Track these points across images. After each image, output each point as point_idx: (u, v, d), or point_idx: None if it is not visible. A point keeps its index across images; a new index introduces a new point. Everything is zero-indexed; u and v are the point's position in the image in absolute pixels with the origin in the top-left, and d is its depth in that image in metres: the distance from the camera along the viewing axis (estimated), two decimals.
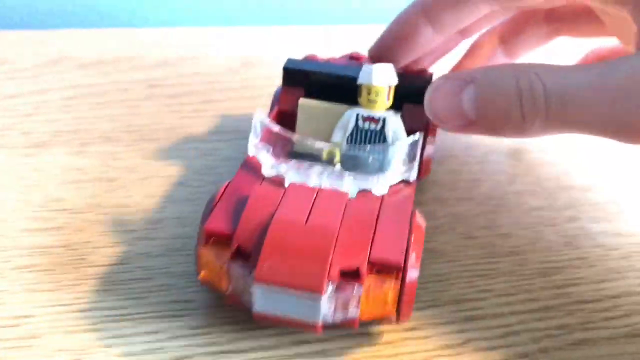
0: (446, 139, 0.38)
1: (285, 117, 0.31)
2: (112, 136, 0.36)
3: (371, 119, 0.28)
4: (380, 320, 0.23)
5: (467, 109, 0.26)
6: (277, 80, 0.38)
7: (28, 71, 0.42)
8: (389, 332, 0.25)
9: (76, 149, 0.34)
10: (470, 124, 0.26)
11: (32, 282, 0.26)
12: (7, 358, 0.23)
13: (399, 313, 0.23)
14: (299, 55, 0.47)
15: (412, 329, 0.25)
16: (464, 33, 0.35)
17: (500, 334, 0.25)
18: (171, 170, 0.33)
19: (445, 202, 0.32)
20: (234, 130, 0.37)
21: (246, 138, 0.30)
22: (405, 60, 0.33)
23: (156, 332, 0.24)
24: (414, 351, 0.24)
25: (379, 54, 0.34)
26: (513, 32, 0.36)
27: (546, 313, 0.26)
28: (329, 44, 0.50)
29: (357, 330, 0.24)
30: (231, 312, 0.25)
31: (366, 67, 0.27)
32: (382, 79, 0.27)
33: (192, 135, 0.36)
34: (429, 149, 0.31)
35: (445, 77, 0.27)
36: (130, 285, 0.26)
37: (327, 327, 0.22)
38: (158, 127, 0.37)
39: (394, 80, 0.28)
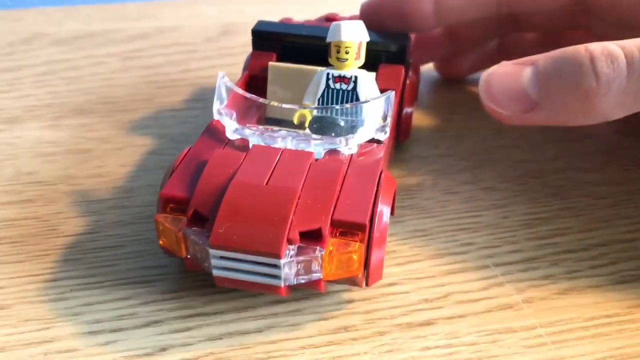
0: (430, 97, 0.37)
1: (256, 81, 0.29)
2: (86, 109, 0.35)
3: (342, 79, 0.26)
4: (349, 282, 0.22)
5: (528, 88, 0.24)
6: None
7: (1, 49, 0.42)
8: (367, 288, 0.24)
9: (49, 122, 0.34)
10: (533, 107, 0.24)
11: (1, 254, 0.25)
12: None
13: (368, 275, 0.22)
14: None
15: (392, 284, 0.24)
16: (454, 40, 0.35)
17: (482, 286, 0.24)
18: (146, 140, 0.32)
19: (428, 159, 0.31)
20: (211, 98, 0.36)
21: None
22: (391, 27, 0.31)
23: (127, 299, 0.23)
24: (394, 306, 0.23)
25: (369, 11, 0.32)
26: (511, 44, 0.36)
27: (531, 264, 0.25)
28: (310, 9, 0.49)
29: (335, 287, 0.24)
30: (204, 276, 0.24)
31: (335, 24, 0.25)
32: (351, 35, 0.25)
33: (169, 104, 0.36)
34: (408, 111, 0.30)
35: (500, 64, 0.25)
36: (100, 254, 0.25)
37: (293, 288, 0.22)
38: (134, 98, 0.36)
39: (365, 37, 0.26)
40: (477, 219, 0.28)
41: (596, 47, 0.23)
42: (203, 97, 0.36)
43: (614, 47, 0.23)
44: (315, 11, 0.48)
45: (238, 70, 0.34)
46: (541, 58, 0.24)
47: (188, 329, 0.22)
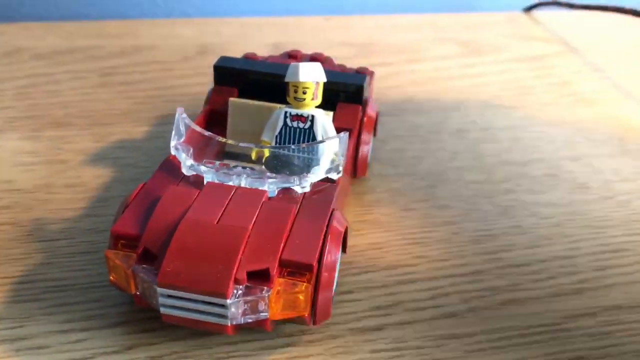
0: (391, 120, 0.39)
1: (216, 115, 0.30)
2: (64, 121, 0.37)
3: (299, 117, 0.27)
4: (297, 321, 0.23)
5: None
6: None
7: None
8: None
9: (29, 134, 0.35)
10: None
11: None
12: None
13: (315, 315, 0.22)
14: (255, 44, 0.48)
15: (347, 292, 0.26)
16: None
17: (430, 295, 0.26)
18: (121, 153, 0.34)
19: (387, 178, 0.34)
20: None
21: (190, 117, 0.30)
22: None
23: (98, 300, 0.25)
24: (347, 312, 0.25)
25: None
26: None
27: (477, 276, 0.28)
28: (281, 32, 0.51)
29: None
30: None
31: (293, 65, 0.26)
32: (308, 75, 0.26)
33: (144, 120, 0.37)
34: (364, 148, 0.31)
35: None
36: (75, 258, 0.27)
37: (239, 327, 0.22)
38: (111, 113, 0.38)
39: (322, 77, 0.27)
40: (430, 234, 0.30)
41: None
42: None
43: None
44: (287, 35, 0.51)
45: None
46: None
47: (153, 329, 0.24)
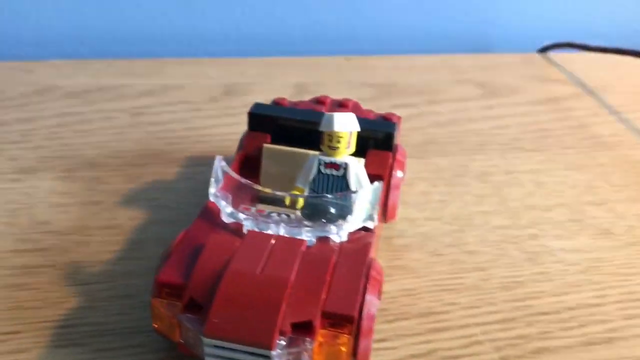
0: (416, 162, 0.40)
1: (250, 160, 0.32)
2: (97, 162, 0.37)
3: (333, 165, 0.27)
4: None
5: None
6: None
7: (15, 100, 0.44)
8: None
9: (62, 174, 0.36)
10: None
11: (20, 300, 0.27)
12: None
13: None
14: (278, 84, 0.49)
15: (382, 340, 0.27)
16: None
17: (464, 343, 0.27)
18: (154, 194, 0.35)
19: (415, 221, 0.34)
20: (214, 155, 0.38)
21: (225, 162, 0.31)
22: None
23: (139, 346, 0.25)
24: None
25: None
26: None
27: (508, 324, 0.28)
28: (306, 72, 0.52)
29: None
30: None
31: (328, 115, 0.27)
32: (343, 126, 0.27)
33: (175, 160, 0.38)
34: (394, 195, 0.32)
35: None
36: (114, 302, 0.27)
37: None
38: (142, 153, 0.39)
39: (356, 127, 0.27)
40: (460, 281, 0.30)
41: None
42: (207, 155, 0.39)
43: None
44: (309, 75, 0.52)
45: (239, 130, 0.36)
46: None
47: None
